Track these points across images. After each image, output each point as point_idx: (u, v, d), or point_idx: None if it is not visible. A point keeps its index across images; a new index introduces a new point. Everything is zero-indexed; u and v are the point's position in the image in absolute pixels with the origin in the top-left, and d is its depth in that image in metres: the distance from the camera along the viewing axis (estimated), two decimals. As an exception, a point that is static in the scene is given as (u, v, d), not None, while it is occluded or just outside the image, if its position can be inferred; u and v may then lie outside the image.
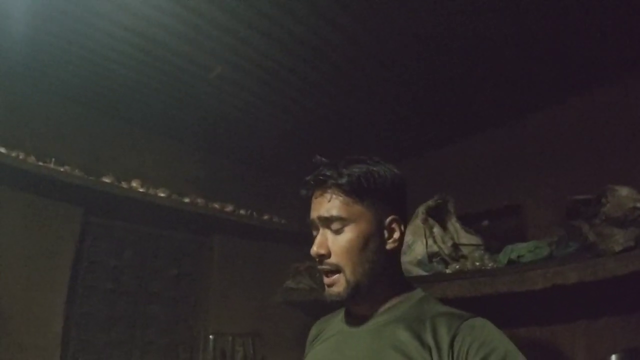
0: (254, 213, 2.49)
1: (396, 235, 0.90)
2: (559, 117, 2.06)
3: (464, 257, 1.94)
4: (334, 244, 0.86)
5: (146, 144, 2.36)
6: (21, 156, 1.77)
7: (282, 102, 2.07)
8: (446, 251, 1.96)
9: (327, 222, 0.87)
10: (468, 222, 2.03)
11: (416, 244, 2.01)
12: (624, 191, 1.50)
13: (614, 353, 1.53)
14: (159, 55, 1.73)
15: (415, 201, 2.02)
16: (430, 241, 2.00)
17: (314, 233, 0.91)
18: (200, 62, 1.77)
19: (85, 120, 2.15)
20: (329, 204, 0.87)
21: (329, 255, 0.86)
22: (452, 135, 2.40)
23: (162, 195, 2.13)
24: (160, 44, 1.66)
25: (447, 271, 1.90)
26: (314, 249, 0.87)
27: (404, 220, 0.94)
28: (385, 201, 0.90)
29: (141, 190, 2.08)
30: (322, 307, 1.05)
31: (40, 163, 1.81)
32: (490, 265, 1.82)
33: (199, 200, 2.27)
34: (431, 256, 1.98)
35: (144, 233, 2.26)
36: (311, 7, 1.47)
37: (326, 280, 0.87)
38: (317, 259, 0.87)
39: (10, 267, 1.75)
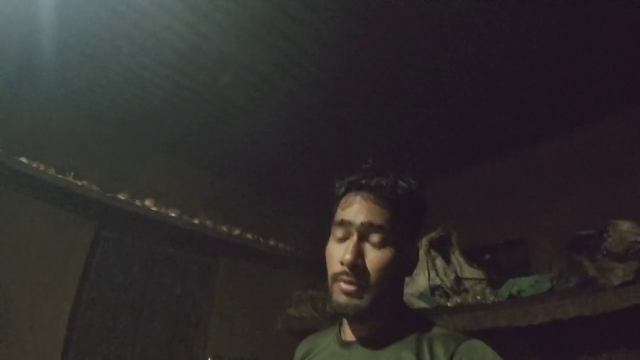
0: (261, 238, 2.53)
1: (416, 261, 0.88)
2: (564, 149, 2.09)
3: (466, 290, 1.94)
4: (371, 257, 0.79)
5: (161, 164, 2.45)
6: (42, 167, 1.87)
7: (292, 131, 2.16)
8: (448, 284, 1.96)
9: (370, 230, 0.80)
10: (471, 256, 2.04)
11: (418, 276, 2.02)
12: (625, 225, 1.52)
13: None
14: (176, 81, 1.85)
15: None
16: (432, 274, 2.01)
17: (340, 233, 0.84)
18: (214, 89, 1.89)
19: (105, 138, 2.26)
20: (381, 213, 0.80)
21: (363, 268, 0.79)
22: (456, 167, 2.44)
23: (173, 215, 2.19)
24: (178, 71, 1.79)
25: (449, 304, 1.90)
26: (349, 258, 0.78)
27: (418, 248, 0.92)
28: (417, 226, 0.88)
29: (154, 208, 2.15)
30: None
31: (60, 176, 1.90)
32: (491, 299, 1.81)
33: (208, 222, 2.32)
34: (433, 289, 1.98)
35: (152, 250, 2.30)
36: (316, 35, 1.57)
37: (346, 287, 0.79)
38: (349, 268, 0.78)
39: (21, 272, 1.81)
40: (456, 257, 2.06)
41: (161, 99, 1.99)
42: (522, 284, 1.72)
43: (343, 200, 0.86)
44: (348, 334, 0.88)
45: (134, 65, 1.77)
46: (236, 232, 2.41)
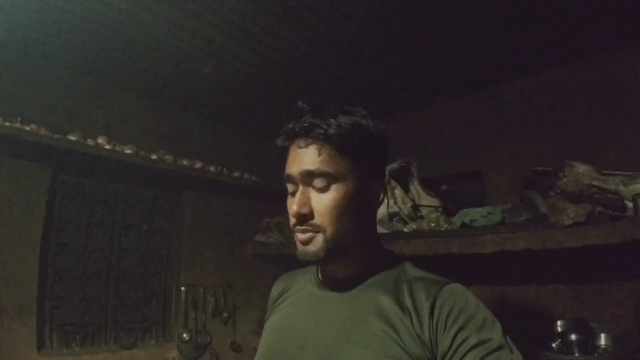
0: (224, 170, 2.50)
1: (380, 197, 0.87)
2: (527, 89, 2.11)
3: (422, 217, 2.05)
4: (318, 203, 0.79)
5: (113, 99, 2.29)
6: None
7: (251, 58, 2.02)
8: (405, 211, 2.07)
9: (310, 177, 0.80)
10: (429, 185, 2.12)
11: (378, 204, 2.10)
12: (581, 167, 1.57)
13: (560, 319, 1.67)
14: (126, 11, 1.64)
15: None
16: (391, 201, 2.10)
17: (290, 188, 0.84)
18: (167, 18, 1.70)
19: (51, 79, 2.07)
20: (315, 157, 0.79)
21: (311, 215, 0.79)
22: (419, 101, 2.43)
23: (129, 152, 2.11)
24: (131, 3, 1.59)
25: (405, 230, 2.02)
26: (295, 209, 0.79)
27: (384, 182, 0.90)
28: (371, 160, 0.85)
29: (107, 147, 2.05)
30: (291, 260, 1.07)
31: (7, 123, 1.76)
32: (444, 226, 1.93)
33: (167, 157, 2.26)
34: (391, 215, 2.10)
35: (114, 190, 2.26)
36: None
37: (301, 237, 0.80)
38: (297, 219, 0.80)
39: None
40: (415, 186, 2.15)
41: (109, 30, 1.78)
42: (475, 214, 1.82)
43: (288, 153, 0.85)
44: (325, 277, 0.90)
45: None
46: (198, 165, 2.37)
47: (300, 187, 0.81)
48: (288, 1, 1.60)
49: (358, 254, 0.84)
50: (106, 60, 2.05)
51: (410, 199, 2.12)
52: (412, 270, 0.84)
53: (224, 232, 2.67)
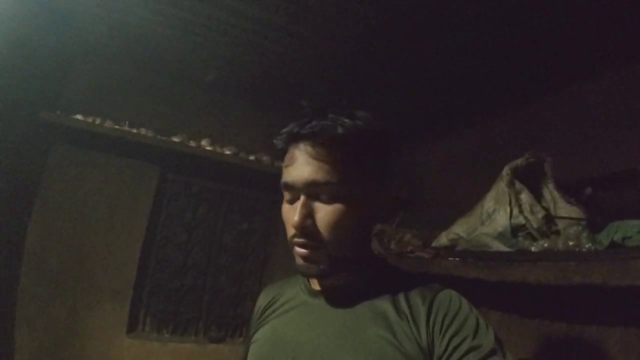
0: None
1: (384, 207, 0.83)
2: None
3: (558, 232, 1.56)
4: (322, 215, 0.73)
5: (213, 104, 2.40)
6: (98, 121, 1.97)
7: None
8: (535, 224, 1.59)
9: (315, 187, 0.73)
10: (569, 190, 1.60)
11: (498, 212, 1.69)
12: None
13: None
14: (223, 20, 1.69)
15: (504, 162, 1.66)
16: (515, 210, 1.65)
17: (288, 196, 0.78)
18: (253, 19, 1.68)
19: (157, 86, 2.27)
20: (322, 166, 0.72)
21: (314, 228, 0.73)
22: (555, 86, 1.86)
23: (228, 152, 2.18)
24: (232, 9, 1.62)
25: (533, 249, 1.55)
26: (297, 220, 0.72)
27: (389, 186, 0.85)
28: (380, 166, 0.80)
29: (209, 148, 2.14)
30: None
31: (116, 126, 1.99)
32: (587, 246, 1.42)
33: (265, 159, 2.28)
34: (515, 229, 1.64)
35: (218, 190, 2.38)
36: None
37: (302, 252, 0.75)
38: (299, 231, 0.73)
39: (94, 220, 2.03)
40: (550, 191, 1.64)
41: (208, 40, 1.86)
42: (629, 229, 1.32)
43: (286, 157, 0.78)
44: (319, 286, 0.85)
45: (178, 13, 1.67)
46: (296, 166, 2.31)
47: (302, 197, 0.74)
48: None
49: (355, 261, 0.80)
50: (206, 68, 2.13)
51: (543, 207, 1.63)
52: (407, 278, 0.82)
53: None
